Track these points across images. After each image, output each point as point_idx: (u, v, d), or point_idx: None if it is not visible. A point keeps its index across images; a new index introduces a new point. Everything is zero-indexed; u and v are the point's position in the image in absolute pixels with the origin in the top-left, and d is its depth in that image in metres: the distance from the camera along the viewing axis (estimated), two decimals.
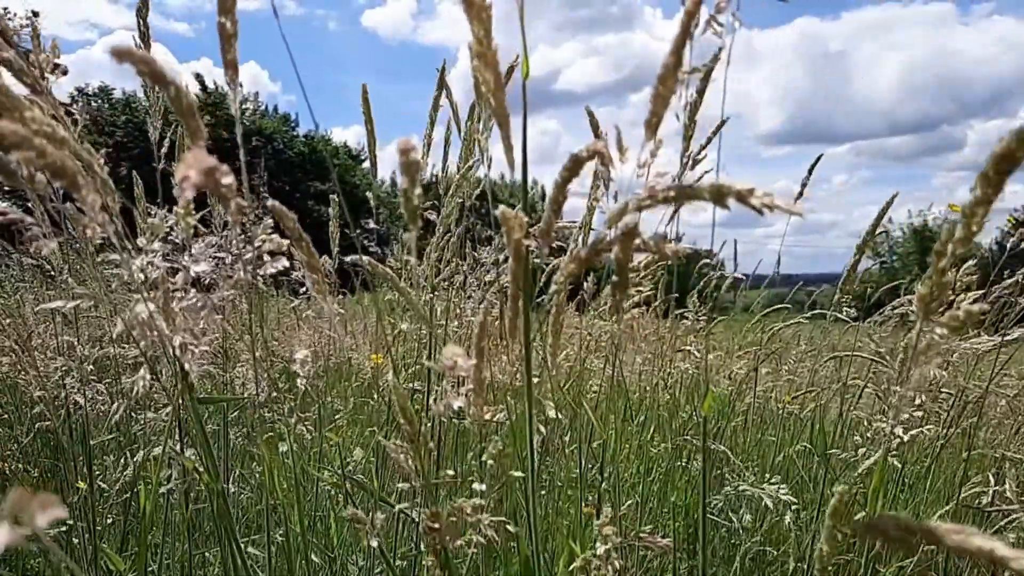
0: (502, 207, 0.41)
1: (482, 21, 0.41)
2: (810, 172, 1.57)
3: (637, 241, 0.37)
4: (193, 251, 0.63)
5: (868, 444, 1.35)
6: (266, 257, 0.62)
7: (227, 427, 1.40)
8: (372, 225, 1.59)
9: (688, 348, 2.19)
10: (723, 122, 0.98)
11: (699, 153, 0.93)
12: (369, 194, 1.27)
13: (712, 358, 2.63)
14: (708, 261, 2.26)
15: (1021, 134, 0.35)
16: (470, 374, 0.48)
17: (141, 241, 0.61)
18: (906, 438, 1.06)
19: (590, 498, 1.33)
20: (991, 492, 1.34)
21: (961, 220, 0.35)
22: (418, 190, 0.42)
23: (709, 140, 0.99)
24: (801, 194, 1.56)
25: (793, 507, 1.42)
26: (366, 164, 24.72)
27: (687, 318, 2.22)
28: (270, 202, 0.56)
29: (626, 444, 1.78)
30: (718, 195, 0.34)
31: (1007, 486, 1.33)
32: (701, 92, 0.86)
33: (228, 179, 0.36)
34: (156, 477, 0.84)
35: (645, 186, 0.36)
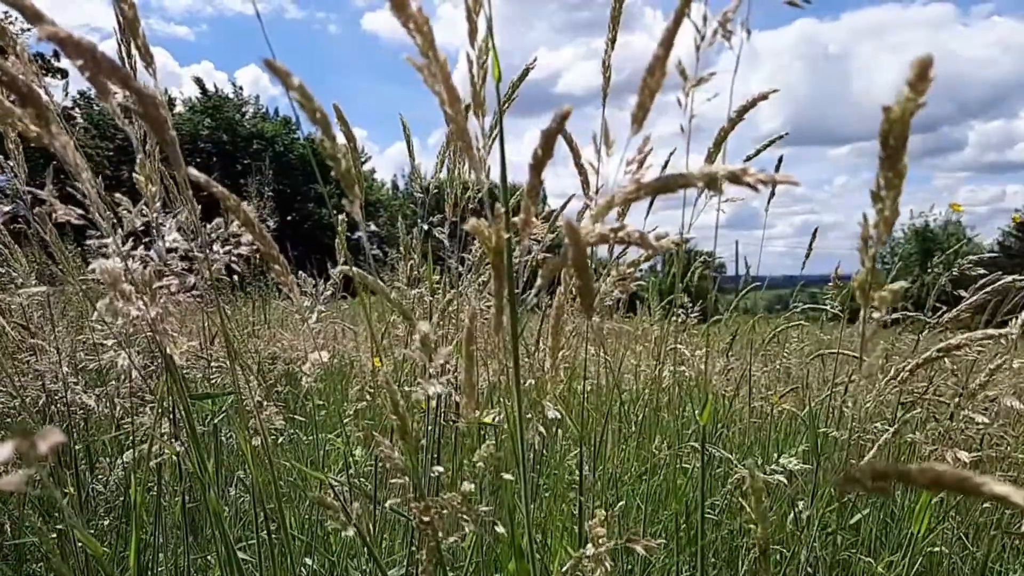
0: (471, 220, 0.41)
1: (423, 33, 0.40)
2: (777, 169, 1.58)
3: (621, 234, 0.37)
4: (165, 226, 0.62)
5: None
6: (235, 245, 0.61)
7: (216, 429, 1.40)
8: (373, 228, 1.59)
9: (679, 347, 2.19)
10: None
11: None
12: (329, 215, 1.26)
13: (701, 355, 2.63)
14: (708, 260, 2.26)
15: (888, 113, 0.36)
16: (455, 369, 0.48)
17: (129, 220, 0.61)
18: (967, 458, 1.05)
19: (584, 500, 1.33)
20: None
21: (874, 206, 0.37)
22: (344, 150, 0.41)
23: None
24: (773, 194, 1.57)
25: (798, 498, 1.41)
26: (367, 166, 24.73)
27: (679, 316, 2.22)
28: (193, 172, 0.53)
29: (623, 446, 1.78)
30: (711, 179, 0.34)
31: None
32: (725, 134, 0.87)
33: (110, 62, 0.34)
34: (145, 467, 0.83)
35: (631, 178, 0.36)
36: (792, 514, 1.49)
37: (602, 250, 1.25)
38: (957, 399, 1.19)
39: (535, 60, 1.03)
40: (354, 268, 0.75)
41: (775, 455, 1.90)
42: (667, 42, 0.36)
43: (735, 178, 0.34)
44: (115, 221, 0.66)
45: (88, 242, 0.65)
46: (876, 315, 0.37)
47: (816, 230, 1.95)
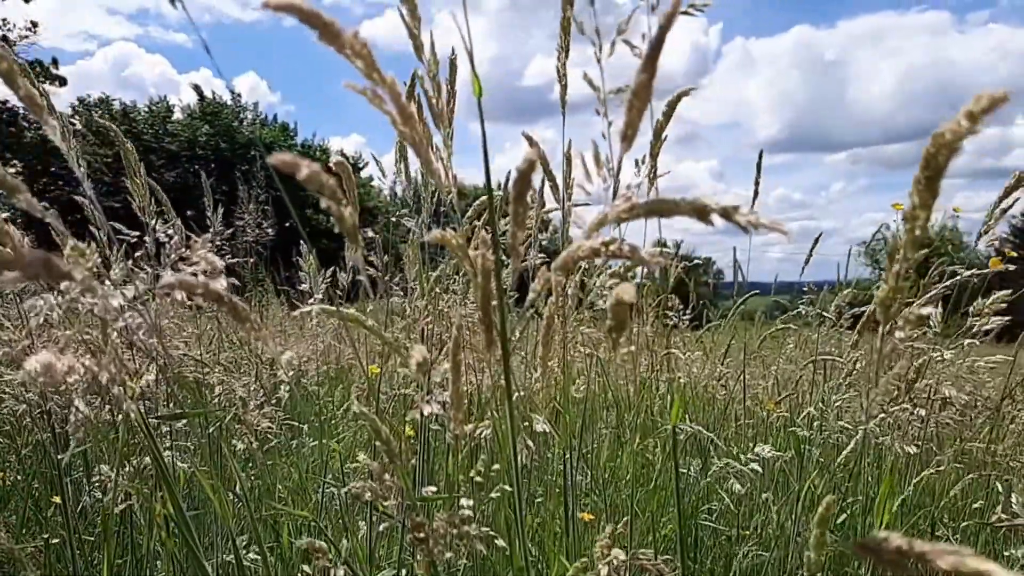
0: (435, 231, 0.41)
1: (363, 57, 0.40)
2: (758, 171, 1.59)
3: (612, 248, 0.37)
4: (113, 274, 0.61)
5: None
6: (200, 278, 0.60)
7: (209, 441, 1.40)
8: (371, 234, 1.60)
9: (674, 352, 2.19)
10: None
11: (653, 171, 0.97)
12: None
13: (696, 358, 2.63)
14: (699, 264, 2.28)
15: (938, 139, 0.36)
16: (447, 385, 0.48)
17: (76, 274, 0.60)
18: (912, 451, 1.07)
19: (582, 506, 1.33)
20: (1000, 506, 1.32)
21: (905, 226, 0.37)
22: (349, 209, 0.41)
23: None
24: (756, 195, 1.58)
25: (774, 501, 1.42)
26: (364, 172, 24.81)
27: (672, 322, 2.22)
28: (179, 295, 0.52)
29: (619, 451, 1.78)
30: (701, 211, 0.34)
31: (1014, 499, 1.32)
32: (667, 114, 0.90)
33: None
34: (113, 495, 0.83)
35: (621, 198, 0.36)
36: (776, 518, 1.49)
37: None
38: (896, 391, 1.21)
39: None
40: (353, 309, 0.76)
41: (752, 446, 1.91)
42: (650, 66, 0.37)
43: (726, 214, 0.34)
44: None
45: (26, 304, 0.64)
46: (900, 334, 0.37)
47: (820, 235, 1.96)
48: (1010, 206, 1.35)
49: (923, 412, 1.15)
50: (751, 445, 2.14)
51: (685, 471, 1.77)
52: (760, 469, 1.35)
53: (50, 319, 0.60)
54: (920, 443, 1.64)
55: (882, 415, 1.19)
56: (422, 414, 0.53)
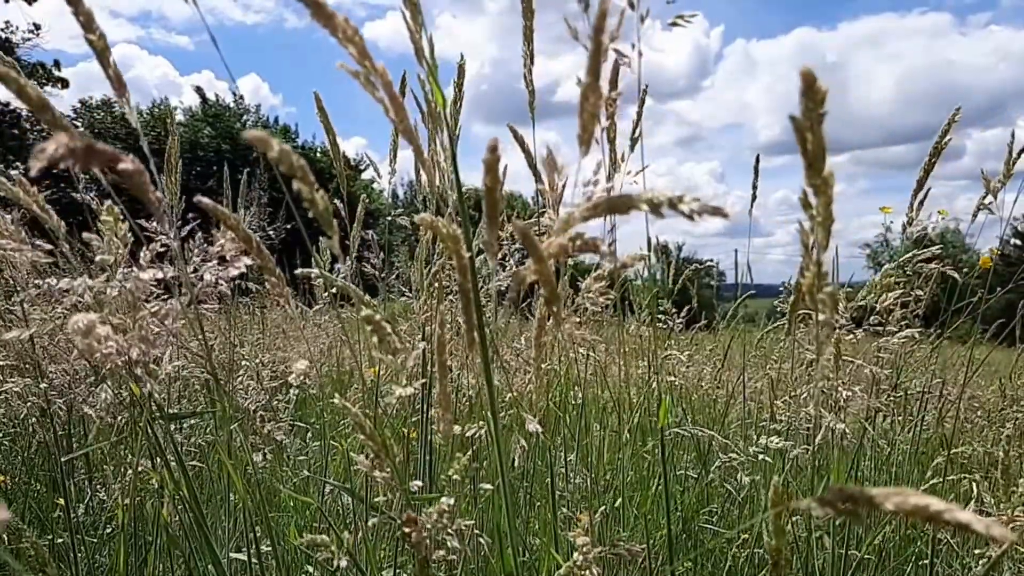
0: (422, 214, 0.42)
1: (355, 43, 0.42)
2: (756, 174, 1.62)
3: (578, 243, 0.39)
4: (141, 259, 0.62)
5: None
6: (229, 258, 0.61)
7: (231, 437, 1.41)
8: (372, 234, 1.61)
9: (674, 353, 2.20)
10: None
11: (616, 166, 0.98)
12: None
13: (693, 360, 2.64)
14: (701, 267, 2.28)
15: (797, 125, 0.37)
16: (434, 382, 0.49)
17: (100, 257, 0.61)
18: (844, 427, 1.10)
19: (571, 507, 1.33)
20: (972, 498, 1.34)
21: (805, 213, 0.38)
22: (322, 193, 0.42)
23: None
24: (755, 197, 1.61)
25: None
26: (365, 174, 24.79)
27: (666, 324, 2.23)
28: (204, 201, 0.54)
29: (619, 451, 1.79)
30: (651, 204, 0.36)
31: (983, 495, 1.33)
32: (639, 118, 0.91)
33: (126, 166, 0.35)
34: (132, 490, 0.84)
35: (583, 197, 0.38)
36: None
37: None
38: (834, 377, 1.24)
39: None
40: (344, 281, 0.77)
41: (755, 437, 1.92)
42: (593, 71, 0.38)
43: (672, 205, 0.36)
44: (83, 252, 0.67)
45: (55, 284, 0.64)
46: (821, 317, 0.39)
47: None
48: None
49: (854, 392, 1.19)
50: (755, 438, 2.15)
51: (683, 471, 1.78)
52: (770, 460, 1.37)
53: (82, 302, 0.61)
54: (917, 443, 1.65)
55: (824, 399, 1.22)
56: (398, 398, 0.54)
